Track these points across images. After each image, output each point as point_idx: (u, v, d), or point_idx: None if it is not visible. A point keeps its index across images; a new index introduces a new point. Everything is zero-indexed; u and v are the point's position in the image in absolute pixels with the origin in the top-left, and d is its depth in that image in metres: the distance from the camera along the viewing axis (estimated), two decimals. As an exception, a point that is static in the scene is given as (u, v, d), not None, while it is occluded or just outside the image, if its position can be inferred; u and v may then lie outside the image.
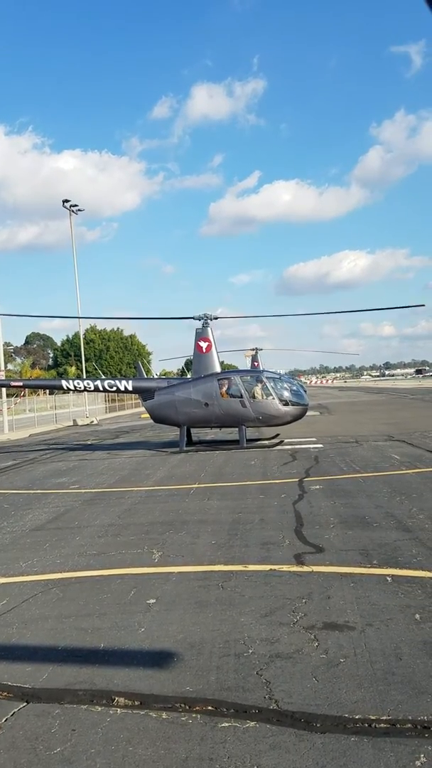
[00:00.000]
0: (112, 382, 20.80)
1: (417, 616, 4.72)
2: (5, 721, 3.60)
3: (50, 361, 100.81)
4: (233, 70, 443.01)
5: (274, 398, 18.06)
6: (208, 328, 19.19)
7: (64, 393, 42.42)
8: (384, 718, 3.35)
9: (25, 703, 3.81)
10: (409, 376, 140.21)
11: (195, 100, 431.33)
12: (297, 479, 11.56)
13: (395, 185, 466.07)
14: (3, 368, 38.31)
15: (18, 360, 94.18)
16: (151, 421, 20.61)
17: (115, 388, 20.68)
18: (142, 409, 24.00)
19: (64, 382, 22.31)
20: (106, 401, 56.07)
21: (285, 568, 6.17)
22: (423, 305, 19.18)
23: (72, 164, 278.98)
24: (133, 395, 38.87)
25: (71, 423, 40.43)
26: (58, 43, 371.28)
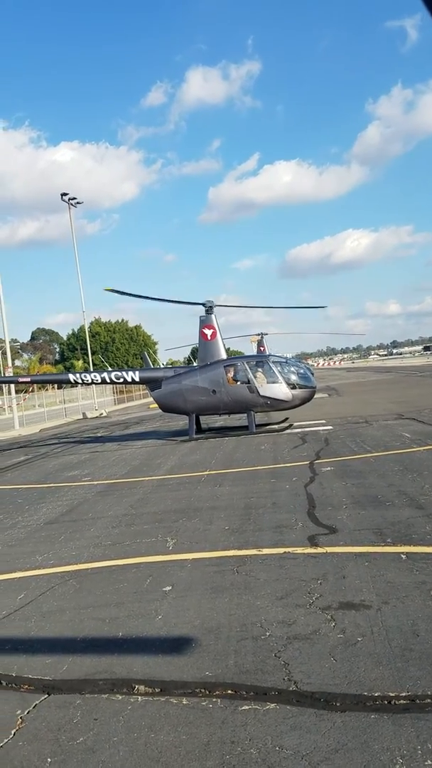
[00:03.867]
0: (119, 373, 20.82)
1: (433, 592, 4.72)
2: (27, 713, 3.64)
3: (57, 356, 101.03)
4: (227, 52, 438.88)
5: (281, 382, 18.00)
6: (212, 316, 19.12)
7: (72, 387, 42.58)
8: (403, 694, 3.36)
9: (46, 695, 3.84)
10: (417, 354, 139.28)
11: (190, 85, 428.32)
12: (308, 462, 11.55)
13: (395, 161, 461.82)
14: (11, 365, 38.43)
15: (25, 356, 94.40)
16: (160, 410, 20.64)
17: (122, 380, 20.71)
18: (150, 399, 24.04)
19: (71, 376, 22.37)
20: (114, 393, 56.24)
21: (299, 550, 6.17)
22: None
23: (69, 156, 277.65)
24: (141, 386, 38.98)
25: (81, 416, 40.58)
26: (50, 35, 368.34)
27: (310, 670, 3.73)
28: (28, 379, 28.95)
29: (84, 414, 41.01)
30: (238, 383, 18.28)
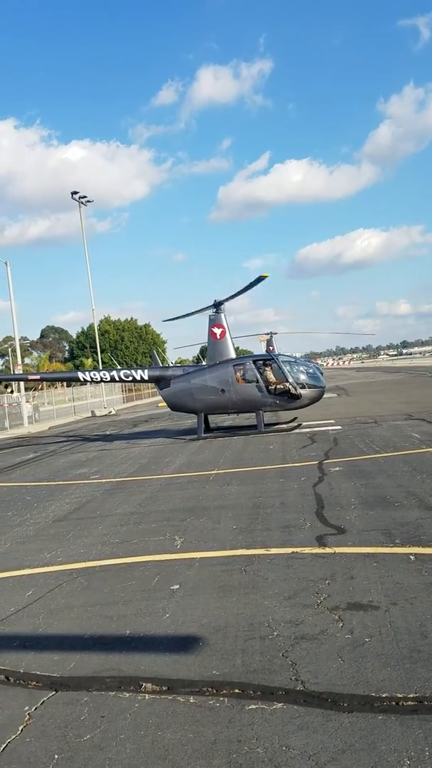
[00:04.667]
0: (128, 371, 20.86)
1: (442, 593, 4.70)
2: (35, 709, 3.65)
3: (66, 354, 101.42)
4: (239, 51, 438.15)
5: (290, 382, 17.98)
6: (222, 315, 19.11)
7: (81, 385, 42.70)
8: (411, 695, 3.34)
9: (54, 692, 3.85)
10: (427, 354, 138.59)
11: (201, 83, 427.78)
12: (316, 462, 11.53)
13: (406, 161, 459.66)
14: (20, 362, 38.61)
15: (35, 354, 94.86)
16: (168, 409, 20.66)
17: (131, 378, 20.75)
18: (159, 398, 24.07)
19: (80, 374, 22.44)
20: (123, 391, 56.34)
21: (307, 550, 6.16)
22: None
23: (80, 155, 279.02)
24: (150, 384, 39.02)
25: (90, 414, 40.72)
26: (62, 34, 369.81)
27: (318, 670, 3.72)
28: (38, 377, 29.07)
29: (93, 412, 41.14)
30: (247, 382, 18.26)
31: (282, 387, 18.05)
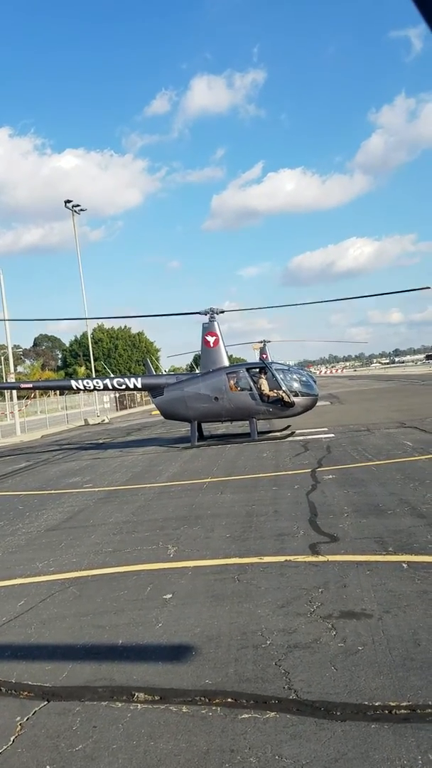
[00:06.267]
0: (121, 380, 20.81)
1: (434, 601, 4.70)
2: (27, 720, 3.62)
3: (59, 362, 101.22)
4: (233, 61, 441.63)
5: (283, 389, 18.00)
6: (215, 323, 19.15)
7: (74, 393, 42.62)
8: (404, 704, 3.34)
9: (45, 702, 3.83)
10: (419, 362, 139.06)
11: (194, 93, 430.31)
12: (309, 470, 11.54)
13: (398, 170, 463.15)
14: (13, 371, 38.51)
15: (27, 362, 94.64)
16: (162, 417, 20.63)
17: (124, 386, 20.70)
18: (152, 406, 24.05)
19: (73, 382, 22.37)
20: (116, 400, 56.23)
21: (300, 558, 6.16)
22: (429, 287, 18.91)
23: (74, 163, 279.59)
24: (143, 393, 38.94)
25: (82, 423, 40.56)
26: (57, 42, 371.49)
27: (311, 679, 3.72)
28: (30, 386, 28.96)
29: (86, 420, 41.00)
30: (241, 390, 18.28)
31: (275, 395, 18.07)
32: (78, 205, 46.95)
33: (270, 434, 18.81)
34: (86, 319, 45.01)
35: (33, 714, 3.69)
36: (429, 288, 19.16)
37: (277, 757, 3.00)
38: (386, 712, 3.30)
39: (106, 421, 41.20)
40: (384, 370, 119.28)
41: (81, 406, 49.93)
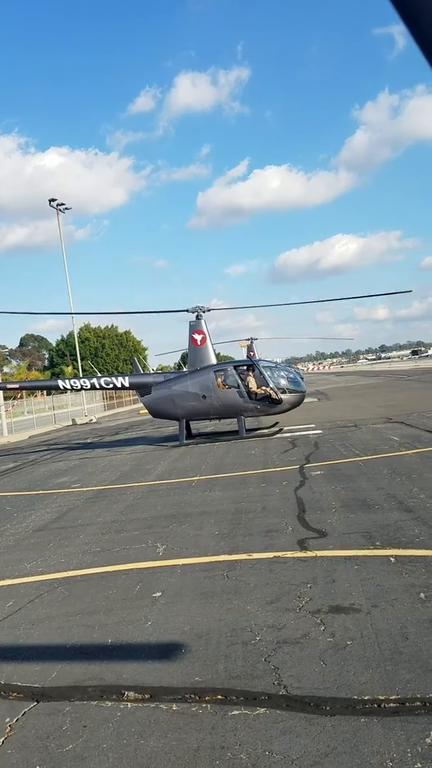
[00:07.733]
0: (109, 379, 20.72)
1: (422, 594, 4.74)
2: (16, 721, 3.61)
3: (46, 362, 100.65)
4: (217, 58, 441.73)
5: (271, 387, 18.03)
6: (202, 321, 19.13)
7: (61, 393, 42.39)
8: (393, 697, 3.37)
9: (35, 703, 3.81)
10: (405, 358, 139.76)
11: (178, 90, 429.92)
12: (298, 466, 11.57)
13: (383, 167, 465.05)
14: (-1, 371, 38.18)
15: (13, 362, 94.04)
16: (150, 416, 20.59)
17: (111, 385, 20.61)
18: (140, 405, 23.99)
19: (60, 382, 22.22)
20: (104, 399, 56.02)
21: (289, 554, 6.18)
22: (411, 291, 19.02)
23: (58, 162, 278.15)
24: (131, 392, 38.82)
25: (70, 422, 40.41)
26: (40, 41, 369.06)
27: (300, 675, 3.73)
28: (17, 386, 28.74)
29: (73, 420, 40.83)
30: (228, 388, 18.28)
31: (263, 392, 18.09)
32: (63, 204, 46.65)
33: (258, 431, 18.84)
34: (72, 314, 44.67)
35: (22, 715, 3.67)
36: (411, 291, 19.26)
37: (267, 753, 3.01)
38: (375, 705, 3.32)
39: (94, 420, 41.06)
40: (371, 366, 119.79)
41: (68, 406, 49.65)
